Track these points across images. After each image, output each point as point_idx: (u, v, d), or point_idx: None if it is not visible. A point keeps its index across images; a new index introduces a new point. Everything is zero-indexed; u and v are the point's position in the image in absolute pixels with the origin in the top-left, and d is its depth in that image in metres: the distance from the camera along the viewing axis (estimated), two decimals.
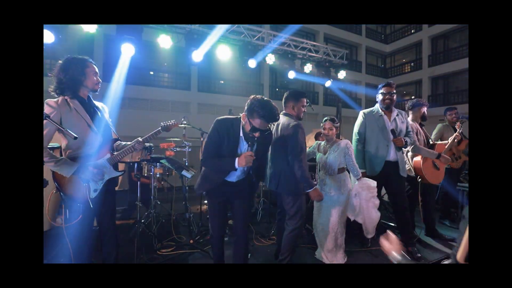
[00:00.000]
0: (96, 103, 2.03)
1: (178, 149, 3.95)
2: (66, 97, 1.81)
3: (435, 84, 14.82)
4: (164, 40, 4.35)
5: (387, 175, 2.92)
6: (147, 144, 3.14)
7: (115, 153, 1.98)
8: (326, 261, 2.65)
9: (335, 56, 6.19)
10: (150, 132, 2.11)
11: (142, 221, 3.24)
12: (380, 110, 3.02)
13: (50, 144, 1.84)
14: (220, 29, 4.78)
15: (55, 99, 1.79)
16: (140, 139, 2.03)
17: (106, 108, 2.11)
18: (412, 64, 15.62)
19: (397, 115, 3.02)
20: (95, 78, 1.91)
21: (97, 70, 1.94)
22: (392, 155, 2.93)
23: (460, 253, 0.80)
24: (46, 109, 1.71)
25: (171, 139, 4.04)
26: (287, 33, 5.56)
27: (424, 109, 3.40)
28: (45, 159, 1.68)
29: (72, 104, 1.81)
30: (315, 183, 2.34)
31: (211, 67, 9.05)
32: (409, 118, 3.38)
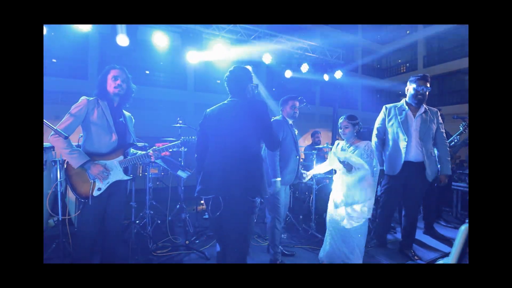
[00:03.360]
0: (125, 112, 2.22)
1: (173, 149, 3.91)
2: (98, 98, 2.01)
3: (430, 85, 14.96)
4: (160, 39, 4.31)
5: (407, 177, 2.70)
6: (140, 144, 3.14)
7: (128, 157, 2.08)
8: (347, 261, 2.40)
9: (331, 56, 6.20)
10: (168, 144, 2.25)
11: (137, 222, 3.20)
12: (405, 105, 2.78)
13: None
14: (216, 28, 4.77)
15: (90, 97, 2.00)
16: (156, 147, 2.18)
17: (133, 119, 2.31)
18: (407, 64, 15.75)
19: (425, 112, 2.72)
20: (113, 82, 2.03)
21: (118, 74, 2.05)
22: (413, 155, 2.66)
23: (453, 255, 0.79)
24: (78, 103, 1.94)
25: (167, 139, 4.00)
26: (283, 33, 5.55)
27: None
28: (63, 145, 1.82)
29: (101, 103, 2.00)
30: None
31: (207, 66, 9.03)
32: None
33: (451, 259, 0.79)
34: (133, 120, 2.32)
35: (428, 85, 2.70)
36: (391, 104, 2.90)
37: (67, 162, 1.90)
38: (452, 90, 13.98)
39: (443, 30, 13.62)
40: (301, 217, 3.96)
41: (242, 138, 1.75)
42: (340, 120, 2.49)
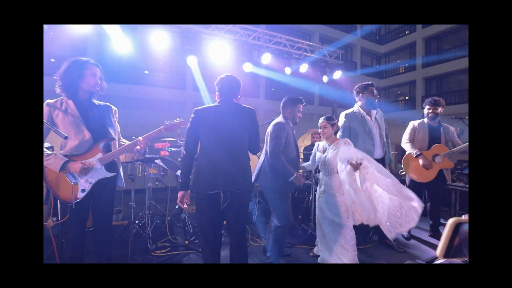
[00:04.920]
0: (100, 103, 2.05)
1: (172, 149, 3.92)
2: (63, 97, 1.88)
3: (428, 85, 15.00)
4: (159, 39, 4.31)
5: None
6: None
7: (108, 153, 1.95)
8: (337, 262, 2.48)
9: (330, 57, 6.20)
10: (151, 131, 2.08)
11: (136, 221, 3.20)
12: (361, 110, 3.05)
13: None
14: (215, 28, 4.77)
15: (53, 99, 1.86)
16: (140, 138, 2.04)
17: (113, 109, 2.13)
18: (406, 65, 15.78)
19: (377, 113, 3.09)
20: (92, 80, 1.91)
21: (98, 71, 1.94)
22: (378, 153, 3.00)
23: (439, 249, 0.79)
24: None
25: (166, 139, 3.99)
26: (283, 33, 5.56)
27: (428, 109, 3.33)
28: None
29: (66, 104, 1.86)
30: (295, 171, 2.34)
31: (206, 66, 9.03)
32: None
33: (437, 253, 0.80)
34: (114, 108, 2.14)
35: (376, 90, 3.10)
36: (349, 111, 3.13)
37: (44, 169, 1.82)
38: (451, 90, 14.01)
39: (442, 30, 13.67)
40: (300, 217, 3.97)
41: (239, 138, 1.94)
42: (320, 121, 2.66)
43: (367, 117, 3.04)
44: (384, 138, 3.09)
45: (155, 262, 2.70)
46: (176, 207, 4.03)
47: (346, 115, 3.10)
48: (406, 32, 15.59)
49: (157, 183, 3.97)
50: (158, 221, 3.60)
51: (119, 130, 2.17)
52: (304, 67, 5.84)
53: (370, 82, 3.11)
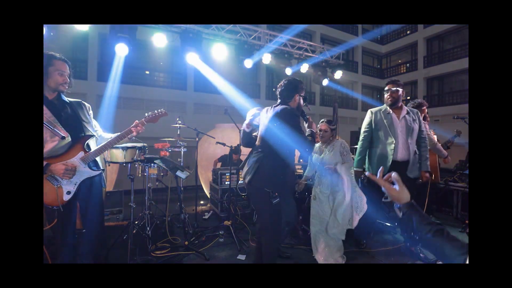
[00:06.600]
0: (71, 100, 1.93)
1: (173, 149, 3.91)
2: None
3: (430, 85, 14.96)
4: (159, 39, 4.32)
5: None
6: (140, 144, 3.10)
7: (90, 151, 1.87)
8: (322, 262, 2.62)
9: (331, 57, 6.20)
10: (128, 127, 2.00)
11: (136, 222, 3.20)
12: (389, 108, 2.93)
13: None
14: (216, 28, 4.77)
15: None
16: (118, 134, 1.97)
17: (86, 105, 2.01)
18: (407, 65, 15.75)
19: (407, 113, 2.90)
20: (60, 78, 1.76)
21: (66, 68, 1.80)
22: (400, 155, 2.79)
23: None
24: None
25: (166, 139, 3.99)
26: (283, 33, 5.56)
27: (424, 110, 3.39)
28: None
29: None
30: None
31: (206, 66, 9.03)
32: None
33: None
34: (87, 104, 2.02)
35: (394, 87, 2.88)
36: (376, 108, 3.03)
37: None
38: (452, 90, 13.97)
39: (443, 30, 13.64)
40: (300, 217, 3.96)
41: (263, 138, 2.08)
42: (321, 124, 2.70)
43: (394, 116, 2.87)
44: (414, 140, 2.87)
45: (154, 263, 2.69)
46: (176, 207, 4.03)
47: (372, 112, 3.02)
48: (408, 32, 15.56)
49: (157, 183, 3.97)
50: (158, 222, 3.60)
51: (97, 125, 2.09)
52: (305, 67, 5.84)
53: (390, 80, 3.00)
